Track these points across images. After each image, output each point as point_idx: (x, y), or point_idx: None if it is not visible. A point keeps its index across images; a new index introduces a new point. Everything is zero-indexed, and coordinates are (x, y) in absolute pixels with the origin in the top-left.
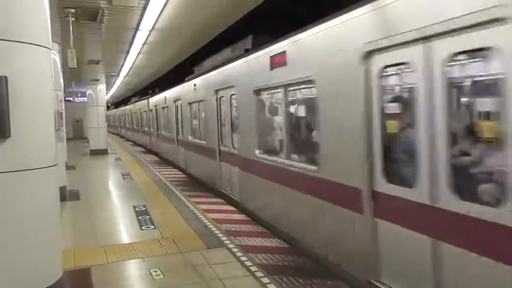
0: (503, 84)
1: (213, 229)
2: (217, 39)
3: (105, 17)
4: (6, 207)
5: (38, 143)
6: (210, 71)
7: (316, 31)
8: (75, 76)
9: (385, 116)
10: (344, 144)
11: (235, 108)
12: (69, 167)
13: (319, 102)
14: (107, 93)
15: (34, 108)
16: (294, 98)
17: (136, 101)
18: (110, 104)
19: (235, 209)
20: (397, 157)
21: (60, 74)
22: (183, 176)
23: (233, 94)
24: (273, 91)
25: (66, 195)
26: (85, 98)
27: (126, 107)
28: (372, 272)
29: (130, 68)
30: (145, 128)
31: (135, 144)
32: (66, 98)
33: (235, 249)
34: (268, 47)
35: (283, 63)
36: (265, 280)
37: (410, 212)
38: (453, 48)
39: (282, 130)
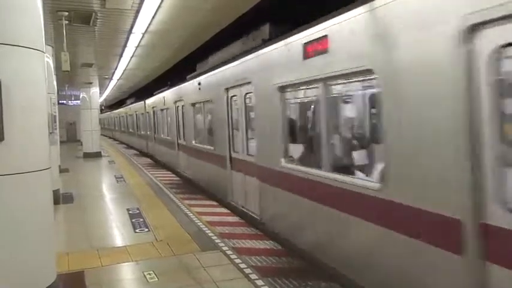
0: None
1: (207, 232)
2: (212, 41)
3: (98, 20)
4: None
5: (32, 146)
6: None
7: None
8: (68, 79)
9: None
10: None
11: None
12: (62, 170)
13: None
14: (100, 96)
15: (28, 111)
16: None
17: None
18: (103, 107)
19: (228, 211)
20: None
21: (54, 77)
22: (177, 178)
23: None
24: None
25: (59, 199)
26: (78, 101)
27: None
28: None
29: (124, 71)
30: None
31: None
32: (60, 101)
33: (229, 252)
34: None
35: None
36: (259, 282)
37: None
38: None
39: None
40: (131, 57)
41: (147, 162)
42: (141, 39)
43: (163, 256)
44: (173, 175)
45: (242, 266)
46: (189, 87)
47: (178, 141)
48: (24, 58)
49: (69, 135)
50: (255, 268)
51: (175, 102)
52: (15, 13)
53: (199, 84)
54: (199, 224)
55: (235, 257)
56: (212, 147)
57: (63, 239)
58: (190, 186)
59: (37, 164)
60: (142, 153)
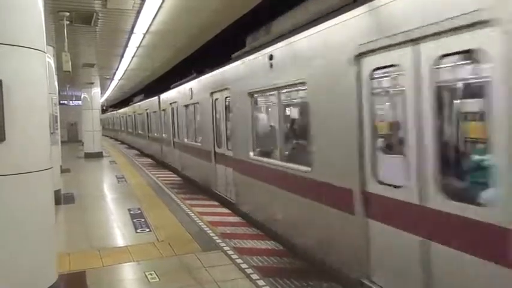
0: None
1: (208, 232)
2: (211, 42)
3: (99, 20)
4: (0, 210)
5: (33, 146)
6: None
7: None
8: (69, 79)
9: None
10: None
11: None
12: (64, 170)
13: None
14: (101, 97)
15: (29, 111)
16: None
17: None
18: (104, 107)
19: (230, 211)
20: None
21: (55, 77)
22: (178, 178)
23: None
24: None
25: (60, 199)
26: (80, 101)
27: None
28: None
29: (125, 71)
30: None
31: None
32: (61, 101)
33: (230, 252)
34: None
35: None
36: (260, 283)
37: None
38: None
39: None
40: (132, 58)
41: (148, 163)
42: (142, 39)
43: (164, 256)
44: (174, 175)
45: (243, 266)
46: (242, 68)
47: (217, 151)
48: (25, 58)
49: (71, 136)
50: (257, 268)
51: (213, 93)
52: (16, 13)
53: (270, 59)
54: (200, 224)
55: (237, 257)
56: (308, 168)
57: (64, 239)
58: (191, 186)
59: (38, 164)
60: (158, 162)
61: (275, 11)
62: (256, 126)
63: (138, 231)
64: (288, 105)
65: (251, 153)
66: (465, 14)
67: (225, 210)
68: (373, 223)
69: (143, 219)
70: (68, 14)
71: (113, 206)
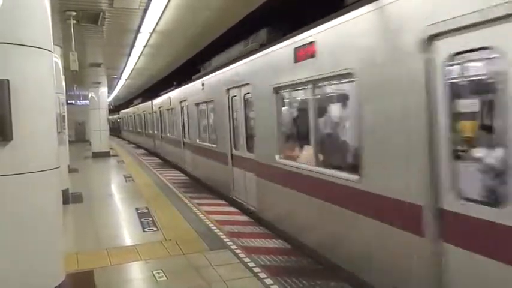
0: None
1: (216, 231)
2: (218, 40)
3: (106, 20)
4: (8, 210)
5: (40, 145)
6: None
7: None
8: (77, 79)
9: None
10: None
11: None
12: (71, 170)
13: None
14: (108, 96)
15: (36, 111)
16: None
17: None
18: (112, 107)
19: (237, 210)
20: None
21: (62, 77)
22: (185, 178)
23: None
24: None
25: (68, 198)
26: (87, 101)
27: None
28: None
29: (132, 71)
30: None
31: None
32: (68, 101)
33: (238, 251)
34: None
35: None
36: (268, 281)
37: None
38: None
39: None
40: (139, 57)
41: (156, 162)
42: (149, 38)
43: (172, 255)
44: (182, 174)
45: (251, 265)
46: None
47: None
48: (31, 58)
49: (78, 135)
50: (264, 267)
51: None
52: (23, 13)
53: None
54: (208, 223)
55: (244, 256)
56: None
57: (72, 239)
58: (199, 186)
59: (45, 163)
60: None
61: (278, 9)
62: None
63: (146, 230)
64: None
65: None
66: None
67: (232, 209)
68: None
69: (151, 219)
70: (74, 13)
71: (121, 205)
